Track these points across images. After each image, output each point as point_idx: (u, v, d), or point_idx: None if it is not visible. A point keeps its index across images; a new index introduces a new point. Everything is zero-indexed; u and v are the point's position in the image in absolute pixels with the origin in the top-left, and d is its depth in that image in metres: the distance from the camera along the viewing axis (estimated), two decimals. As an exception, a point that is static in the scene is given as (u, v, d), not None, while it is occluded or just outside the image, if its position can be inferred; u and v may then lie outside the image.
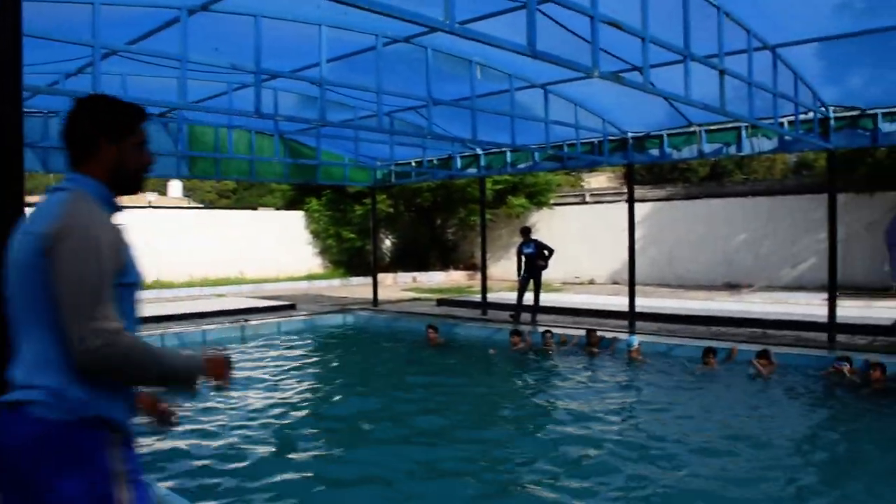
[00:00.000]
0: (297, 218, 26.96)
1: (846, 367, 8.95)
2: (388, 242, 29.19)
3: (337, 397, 9.42)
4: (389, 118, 12.41)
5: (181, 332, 12.84)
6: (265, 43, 7.70)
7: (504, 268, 26.33)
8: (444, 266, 28.17)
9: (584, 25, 6.37)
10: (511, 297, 15.12)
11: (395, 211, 26.32)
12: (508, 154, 14.47)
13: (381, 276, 20.79)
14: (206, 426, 7.35)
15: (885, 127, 10.34)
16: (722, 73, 7.71)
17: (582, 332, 11.79)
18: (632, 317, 12.99)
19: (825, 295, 17.26)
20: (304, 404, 8.85)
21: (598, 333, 11.48)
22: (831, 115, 10.74)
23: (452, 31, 4.79)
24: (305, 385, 9.91)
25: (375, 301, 17.21)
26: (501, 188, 25.30)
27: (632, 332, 12.03)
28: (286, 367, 10.81)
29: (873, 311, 13.61)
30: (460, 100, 10.08)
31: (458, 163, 15.38)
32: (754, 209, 22.01)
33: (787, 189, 22.25)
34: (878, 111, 10.36)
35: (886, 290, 18.58)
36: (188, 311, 14.90)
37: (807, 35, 8.81)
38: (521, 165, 14.66)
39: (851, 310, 12.92)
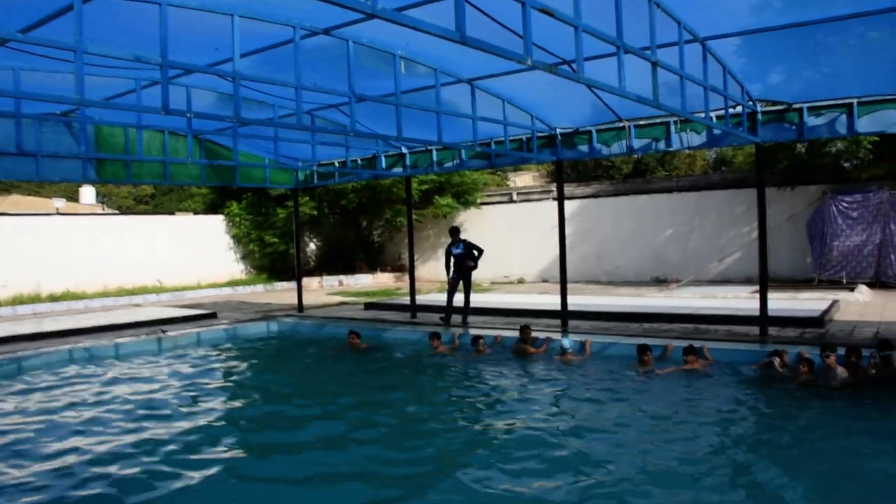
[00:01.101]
0: (217, 222, 25.97)
1: (777, 362, 8.97)
2: (312, 246, 28.48)
3: (254, 411, 8.84)
4: (310, 116, 11.87)
5: (92, 347, 12.02)
6: (175, 35, 7.08)
7: (432, 269, 26.01)
8: (371, 268, 27.64)
9: (514, 18, 6.06)
10: (441, 298, 14.76)
11: (320, 213, 25.64)
12: (435, 153, 14.10)
13: (306, 280, 20.17)
14: (110, 444, 6.77)
15: (811, 121, 10.39)
16: (655, 65, 7.48)
17: (515, 333, 11.49)
18: (564, 316, 12.77)
19: (751, 287, 17.65)
20: (222, 417, 8.29)
21: (533, 334, 11.19)
22: (759, 109, 10.72)
23: (374, 14, 4.36)
24: (224, 399, 9.29)
25: (301, 307, 16.59)
26: (428, 188, 24.96)
27: (565, 332, 11.82)
28: (205, 381, 10.16)
29: (800, 304, 13.76)
30: (385, 96, 9.63)
31: (384, 162, 14.92)
32: (680, 205, 22.26)
33: (711, 184, 22.60)
34: (804, 105, 10.39)
35: (809, 281, 19.01)
36: (101, 324, 14.02)
37: (733, 28, 8.74)
38: (449, 164, 14.29)
39: (778, 302, 12.99)
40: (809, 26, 8.58)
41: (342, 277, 26.04)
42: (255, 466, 6.54)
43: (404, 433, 7.48)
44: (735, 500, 5.36)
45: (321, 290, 24.05)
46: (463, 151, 13.59)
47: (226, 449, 6.92)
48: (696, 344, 9.77)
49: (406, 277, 20.84)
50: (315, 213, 25.20)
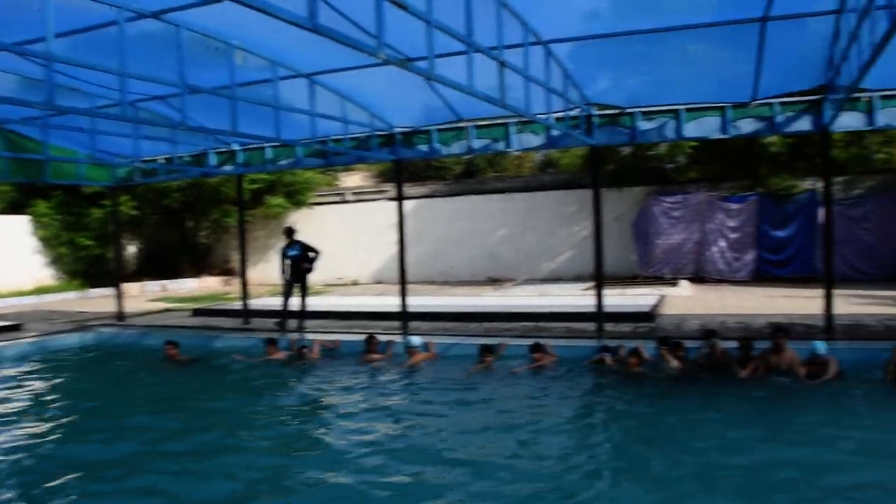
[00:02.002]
0: (21, 223, 23.55)
1: (608, 357, 9.32)
2: (132, 248, 26.59)
3: (60, 435, 7.71)
4: (133, 107, 10.91)
5: None
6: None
7: (263, 272, 25.10)
8: (197, 272, 26.23)
9: (360, 12, 5.77)
10: (274, 302, 14.16)
11: (140, 213, 23.97)
12: (269, 150, 13.46)
13: (125, 286, 18.67)
14: None
15: (642, 125, 10.87)
16: (502, 64, 7.43)
17: (351, 338, 11.19)
18: (405, 317, 12.60)
19: (582, 285, 18.35)
20: (21, 446, 7.21)
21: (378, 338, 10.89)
22: (594, 112, 11.06)
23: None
24: (28, 423, 8.18)
25: (120, 315, 15.32)
26: (258, 187, 24.03)
27: (406, 333, 11.64)
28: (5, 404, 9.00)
29: (630, 299, 14.38)
30: (219, 88, 8.97)
31: (213, 159, 14.06)
32: (513, 205, 22.80)
33: (543, 185, 23.32)
34: (636, 110, 10.83)
35: (634, 278, 20.08)
36: None
37: (569, 34, 8.94)
38: (284, 162, 13.70)
39: (610, 298, 13.45)
40: (634, 36, 8.96)
41: (165, 282, 24.52)
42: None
43: (209, 462, 6.66)
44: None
45: (142, 295, 22.48)
46: (299, 149, 13.08)
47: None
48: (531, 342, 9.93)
49: (234, 281, 19.94)
50: (135, 213, 23.51)
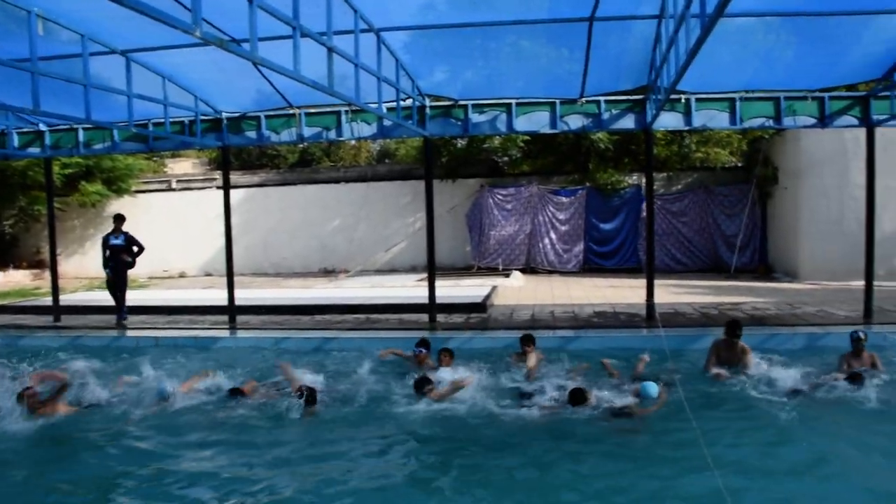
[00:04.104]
0: None
1: (422, 353, 8.69)
2: (-78, 238, 23.96)
3: None
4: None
5: None
6: None
7: (80, 265, 23.42)
8: (3, 265, 23.96)
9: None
10: (92, 298, 13.19)
11: (-67, 199, 21.60)
12: (82, 132, 12.43)
13: (-86, 280, 16.75)
14: None
15: (475, 118, 11.03)
16: (331, 50, 7.21)
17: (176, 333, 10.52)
18: (233, 311, 12.08)
19: (416, 276, 18.42)
20: None
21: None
22: (427, 103, 11.05)
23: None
24: None
25: None
26: (73, 172, 22.16)
27: (233, 326, 11.18)
28: None
29: (463, 290, 14.55)
30: (19, 61, 8.12)
31: (16, 140, 12.79)
32: (348, 195, 22.51)
33: (378, 175, 23.15)
34: (469, 103, 10.94)
35: (469, 269, 20.41)
36: None
37: (404, 23, 8.88)
38: (99, 146, 12.69)
39: (444, 290, 13.54)
40: (468, 28, 9.07)
41: (-37, 276, 22.25)
42: None
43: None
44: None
45: (-65, 291, 20.26)
46: (116, 132, 12.18)
47: None
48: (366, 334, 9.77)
49: (46, 274, 18.39)
50: (-75, 199, 21.16)
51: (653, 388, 7.17)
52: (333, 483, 5.43)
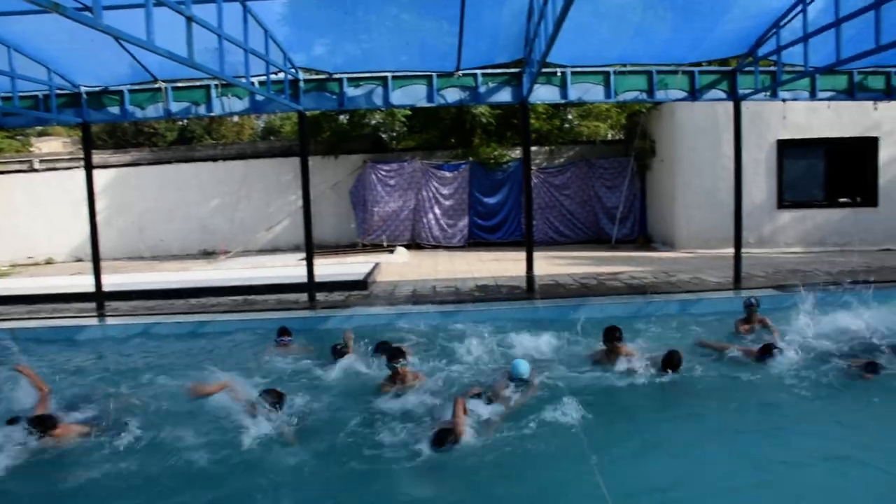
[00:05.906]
0: None
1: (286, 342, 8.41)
2: None
3: None
4: None
5: None
6: None
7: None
8: None
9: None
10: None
11: None
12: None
13: None
14: None
15: (350, 92, 10.75)
16: (190, 20, 6.79)
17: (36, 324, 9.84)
18: (101, 298, 11.41)
19: (300, 255, 17.96)
20: None
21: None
22: (301, 77, 10.70)
23: None
24: None
25: None
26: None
27: (101, 314, 10.56)
28: None
29: (346, 268, 14.28)
30: None
31: None
32: (227, 174, 21.69)
33: (258, 153, 22.35)
34: (344, 76, 10.66)
35: (354, 246, 20.14)
36: None
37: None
38: (-60, 123, 11.69)
39: (326, 268, 13.31)
40: (350, 0, 8.75)
41: None
42: None
43: None
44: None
45: None
46: (-41, 108, 11.23)
47: None
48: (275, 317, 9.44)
49: None
50: None
51: (524, 367, 6.59)
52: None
